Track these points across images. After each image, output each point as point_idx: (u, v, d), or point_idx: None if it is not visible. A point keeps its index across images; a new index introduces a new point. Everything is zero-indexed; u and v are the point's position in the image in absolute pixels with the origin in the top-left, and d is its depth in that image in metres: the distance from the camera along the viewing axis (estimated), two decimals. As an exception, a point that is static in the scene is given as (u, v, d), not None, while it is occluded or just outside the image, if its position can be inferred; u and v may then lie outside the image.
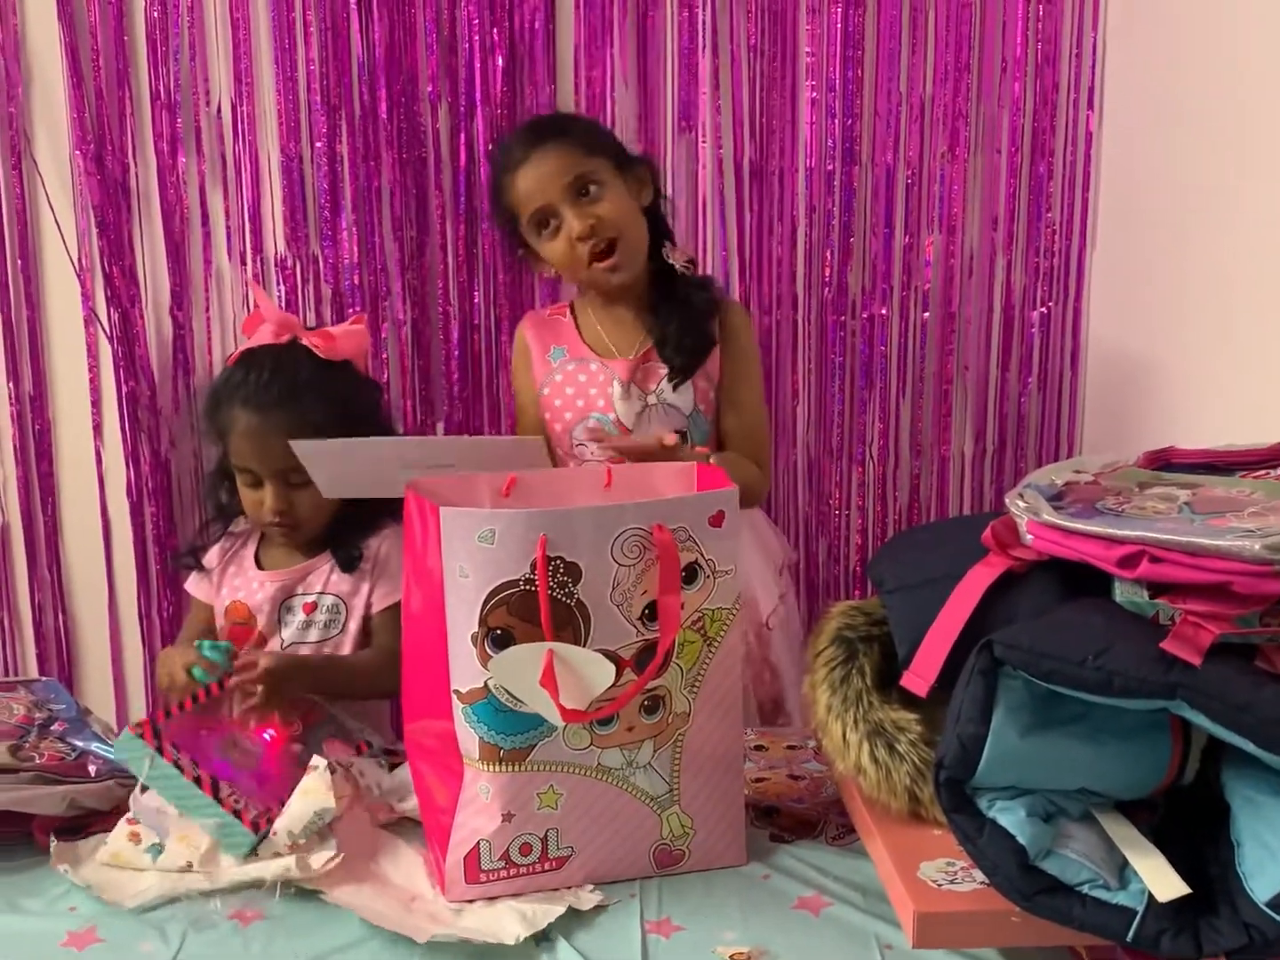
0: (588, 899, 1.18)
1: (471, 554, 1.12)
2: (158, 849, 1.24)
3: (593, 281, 1.77)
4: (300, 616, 1.67)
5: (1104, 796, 1.09)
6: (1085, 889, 1.01)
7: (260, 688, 1.42)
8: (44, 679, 1.76)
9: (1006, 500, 1.18)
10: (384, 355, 2.20)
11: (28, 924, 1.17)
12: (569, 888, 1.20)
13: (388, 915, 1.15)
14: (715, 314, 1.79)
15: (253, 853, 1.24)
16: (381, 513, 1.68)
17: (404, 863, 1.26)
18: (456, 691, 1.16)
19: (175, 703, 1.39)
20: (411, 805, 1.34)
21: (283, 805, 1.26)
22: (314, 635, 1.67)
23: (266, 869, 1.21)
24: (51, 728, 1.44)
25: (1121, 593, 1.07)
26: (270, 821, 1.25)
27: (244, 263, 2.17)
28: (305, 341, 1.64)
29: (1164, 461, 1.28)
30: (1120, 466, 1.27)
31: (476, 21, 2.11)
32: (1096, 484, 1.21)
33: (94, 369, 2.20)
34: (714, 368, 1.79)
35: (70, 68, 2.07)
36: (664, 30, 2.15)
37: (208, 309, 2.19)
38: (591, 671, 1.15)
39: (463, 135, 2.15)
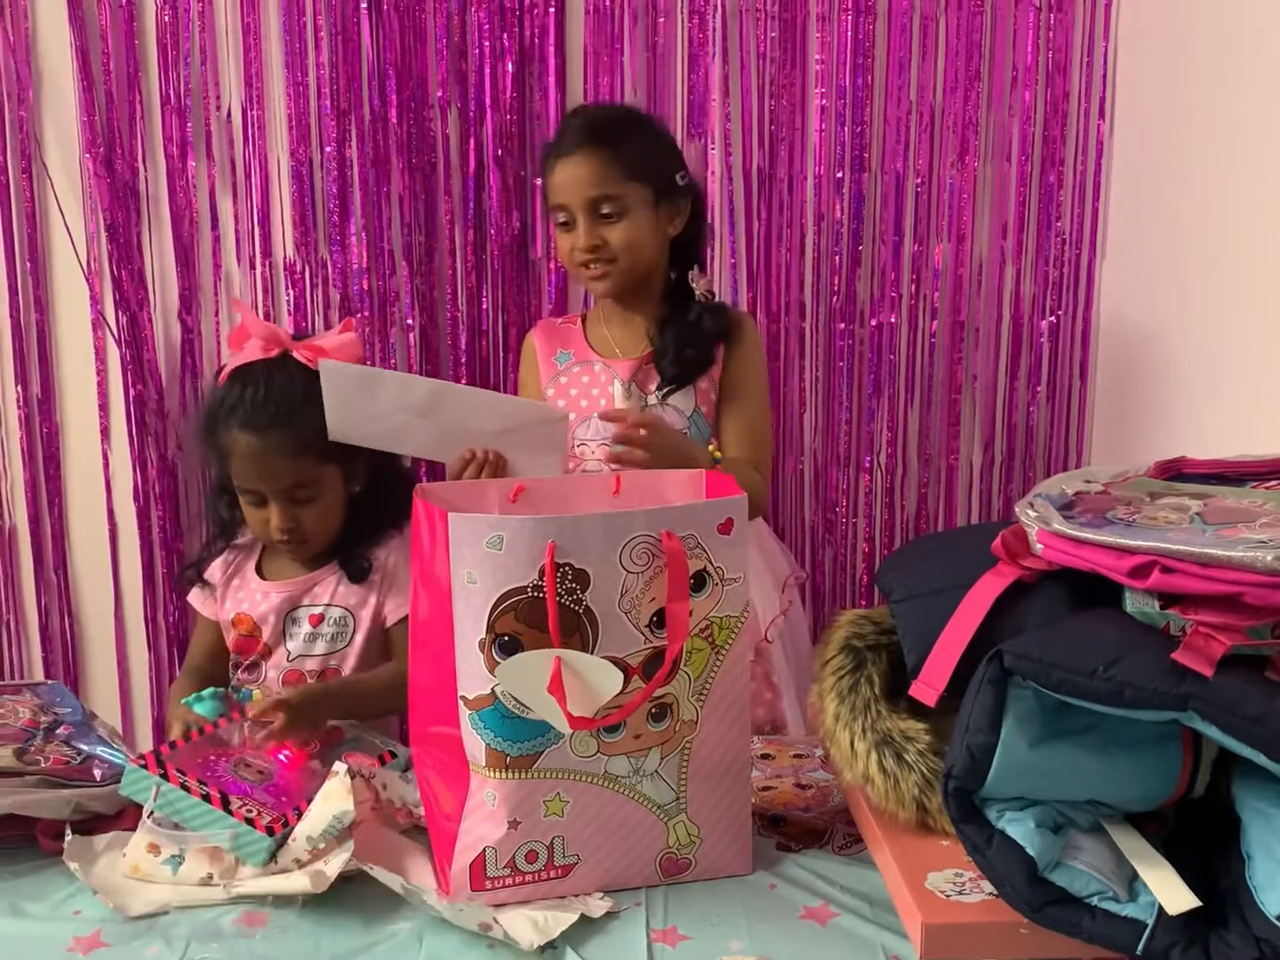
0: (598, 906, 1.18)
1: (480, 560, 1.12)
2: (177, 860, 1.22)
3: (579, 281, 1.87)
4: (306, 628, 1.67)
5: (1114, 808, 1.09)
6: (1095, 901, 1.01)
7: (280, 715, 1.41)
8: (50, 682, 1.76)
9: (1016, 509, 1.18)
10: (392, 360, 2.20)
11: (32, 928, 1.16)
12: (575, 895, 1.20)
13: (426, 890, 1.16)
14: (721, 339, 1.80)
15: (271, 858, 1.23)
16: (386, 523, 1.68)
17: (421, 868, 1.25)
18: (463, 698, 1.16)
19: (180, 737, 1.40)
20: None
21: (299, 813, 1.26)
22: (320, 648, 1.67)
23: (284, 884, 1.19)
24: (57, 731, 1.44)
25: (1132, 603, 1.07)
26: (286, 825, 1.24)
27: (253, 267, 2.17)
28: (296, 355, 1.61)
29: (1175, 471, 1.27)
30: (1131, 476, 1.27)
31: (487, 27, 2.11)
32: (1107, 494, 1.21)
33: (102, 372, 2.20)
34: (716, 370, 1.80)
35: (81, 71, 2.08)
36: (674, 36, 2.15)
37: (216, 313, 2.19)
38: (599, 678, 1.14)
39: (472, 141, 2.15)
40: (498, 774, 1.16)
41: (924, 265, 2.25)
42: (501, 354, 2.24)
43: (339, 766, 1.29)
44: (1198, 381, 1.92)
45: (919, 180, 2.22)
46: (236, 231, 2.17)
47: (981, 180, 2.23)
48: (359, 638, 1.66)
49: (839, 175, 2.21)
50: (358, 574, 1.66)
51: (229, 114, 2.13)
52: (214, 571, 1.73)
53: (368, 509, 1.69)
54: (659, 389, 1.78)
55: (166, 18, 2.09)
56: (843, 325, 2.26)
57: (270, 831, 1.23)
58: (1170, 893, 0.99)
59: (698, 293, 1.79)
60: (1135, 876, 1.03)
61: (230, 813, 1.23)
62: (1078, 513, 1.15)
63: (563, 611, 1.12)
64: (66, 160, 2.13)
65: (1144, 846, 1.05)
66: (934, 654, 1.15)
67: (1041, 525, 1.12)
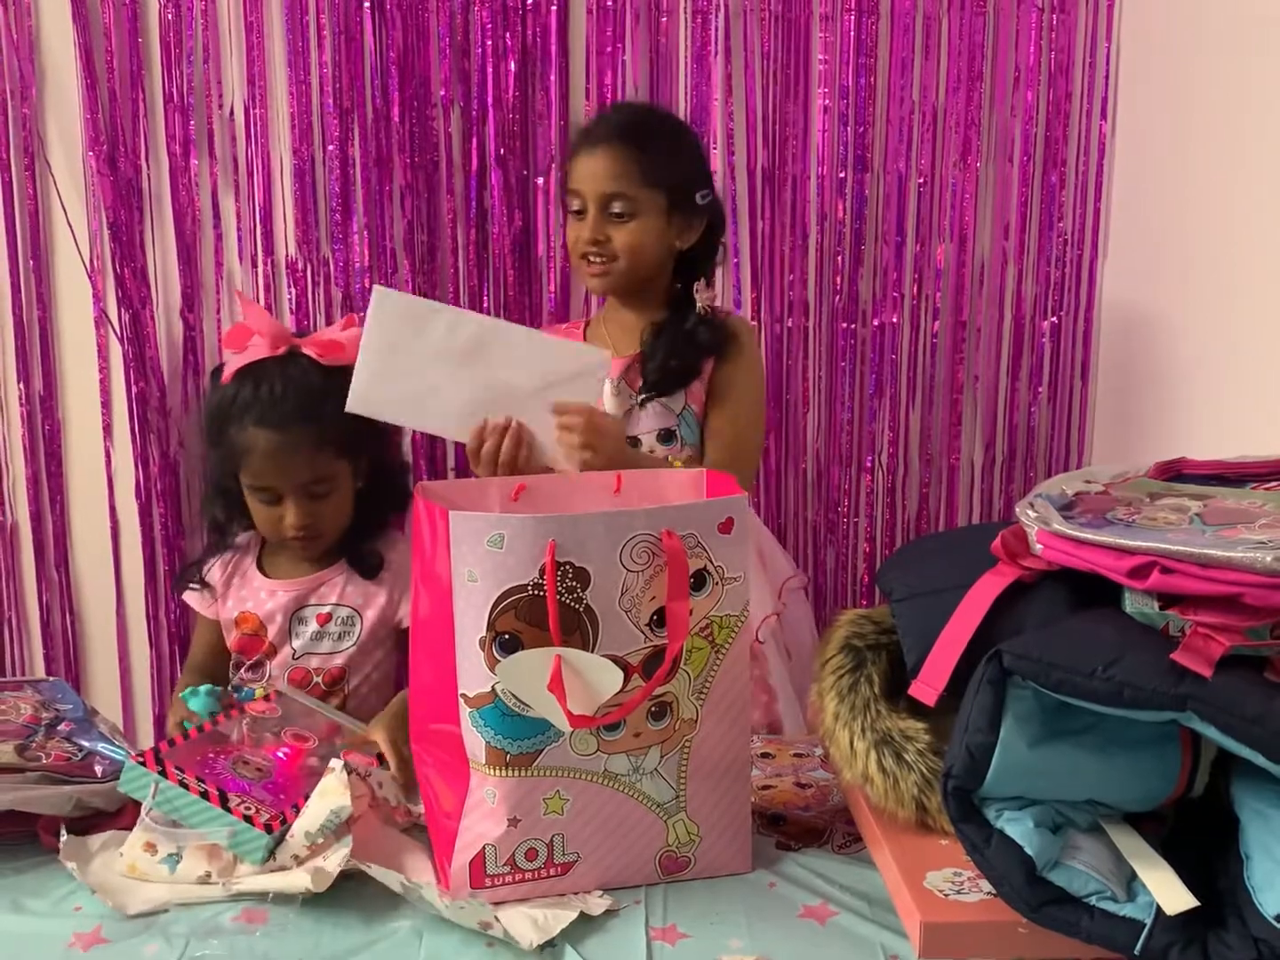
0: (597, 904, 1.18)
1: (480, 558, 1.12)
2: (174, 859, 1.22)
3: (579, 274, 1.89)
4: (313, 627, 1.67)
5: (1112, 808, 1.09)
6: (1093, 901, 1.01)
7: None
8: (51, 679, 1.76)
9: (1017, 510, 1.18)
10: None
11: (33, 925, 1.16)
12: (575, 893, 1.20)
13: (425, 887, 1.16)
14: (713, 353, 1.79)
15: (270, 855, 1.23)
16: (389, 521, 1.69)
17: (420, 866, 1.25)
18: (464, 695, 1.16)
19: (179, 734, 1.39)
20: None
21: (297, 810, 1.26)
22: (325, 646, 1.67)
23: (284, 882, 1.19)
24: (58, 728, 1.44)
25: (1132, 604, 1.07)
26: (284, 823, 1.24)
27: (255, 265, 2.17)
28: (305, 350, 1.62)
29: (1175, 472, 1.28)
30: (1131, 477, 1.27)
31: (489, 26, 2.11)
32: (1107, 494, 1.21)
33: (104, 370, 2.20)
34: (704, 382, 1.79)
35: (84, 69, 2.08)
36: (677, 36, 2.15)
37: (218, 311, 2.19)
38: (599, 677, 1.14)
39: (474, 140, 2.15)
40: (498, 772, 1.17)
41: (926, 265, 2.25)
42: (503, 353, 2.23)
43: (335, 763, 1.29)
44: (1198, 382, 1.92)
45: (921, 180, 2.22)
46: (239, 229, 2.17)
47: (984, 180, 2.23)
48: (364, 637, 1.67)
49: (841, 175, 2.20)
50: (369, 571, 1.67)
51: (231, 112, 2.13)
52: (213, 572, 1.73)
53: (370, 506, 1.69)
54: (639, 392, 1.79)
55: (169, 16, 2.08)
56: (845, 325, 2.26)
57: (268, 829, 1.23)
58: (1168, 893, 1.00)
59: (699, 304, 1.79)
60: (1134, 876, 1.03)
61: (229, 810, 1.23)
62: (1078, 513, 1.16)
63: (563, 610, 1.12)
64: (69, 158, 2.13)
65: (1143, 846, 1.05)
66: (934, 653, 1.15)
67: (1041, 525, 1.12)
